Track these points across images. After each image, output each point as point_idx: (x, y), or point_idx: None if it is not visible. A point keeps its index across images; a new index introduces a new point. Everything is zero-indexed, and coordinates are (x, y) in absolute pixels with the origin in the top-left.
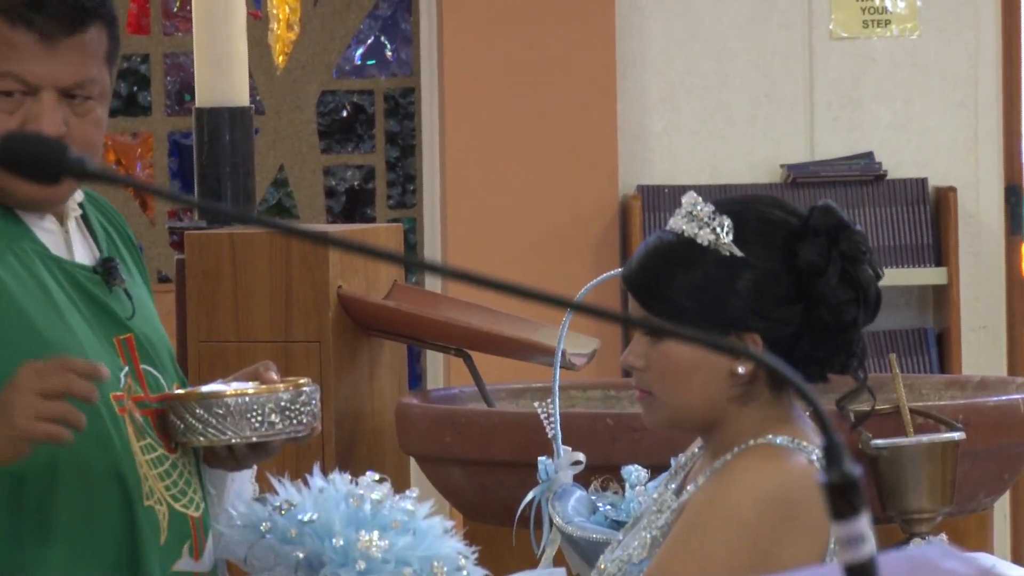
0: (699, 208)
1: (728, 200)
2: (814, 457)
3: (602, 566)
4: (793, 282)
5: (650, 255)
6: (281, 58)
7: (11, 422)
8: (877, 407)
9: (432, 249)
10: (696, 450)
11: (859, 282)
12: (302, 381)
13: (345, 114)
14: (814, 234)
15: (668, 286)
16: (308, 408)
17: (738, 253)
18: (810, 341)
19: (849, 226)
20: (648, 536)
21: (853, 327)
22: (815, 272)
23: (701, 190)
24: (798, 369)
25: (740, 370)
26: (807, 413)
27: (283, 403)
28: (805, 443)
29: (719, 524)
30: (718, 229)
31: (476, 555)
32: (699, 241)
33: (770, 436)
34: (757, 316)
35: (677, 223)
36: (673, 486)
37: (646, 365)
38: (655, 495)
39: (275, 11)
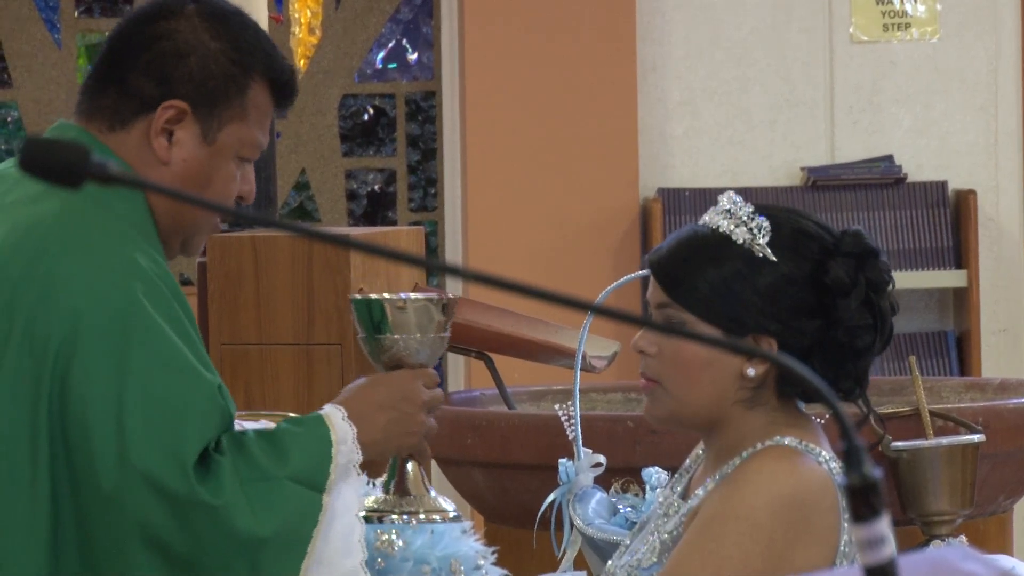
0: (739, 207)
1: (767, 205)
2: (822, 460)
3: (611, 571)
4: (816, 296)
5: (681, 244)
6: (303, 62)
7: (409, 430)
8: (897, 409)
9: (453, 252)
10: (699, 452)
11: (879, 310)
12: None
13: (366, 118)
14: (845, 255)
15: (695, 276)
16: None
17: (771, 256)
18: (821, 359)
19: (878, 255)
20: (656, 540)
21: (866, 354)
22: (840, 291)
23: (722, 194)
24: (803, 386)
25: (750, 372)
26: (817, 419)
27: None
28: (813, 446)
29: (733, 527)
30: (755, 230)
31: (495, 555)
32: (734, 238)
33: (778, 437)
34: (774, 320)
35: (713, 219)
36: (678, 489)
37: (658, 352)
38: (660, 499)
39: (297, 15)
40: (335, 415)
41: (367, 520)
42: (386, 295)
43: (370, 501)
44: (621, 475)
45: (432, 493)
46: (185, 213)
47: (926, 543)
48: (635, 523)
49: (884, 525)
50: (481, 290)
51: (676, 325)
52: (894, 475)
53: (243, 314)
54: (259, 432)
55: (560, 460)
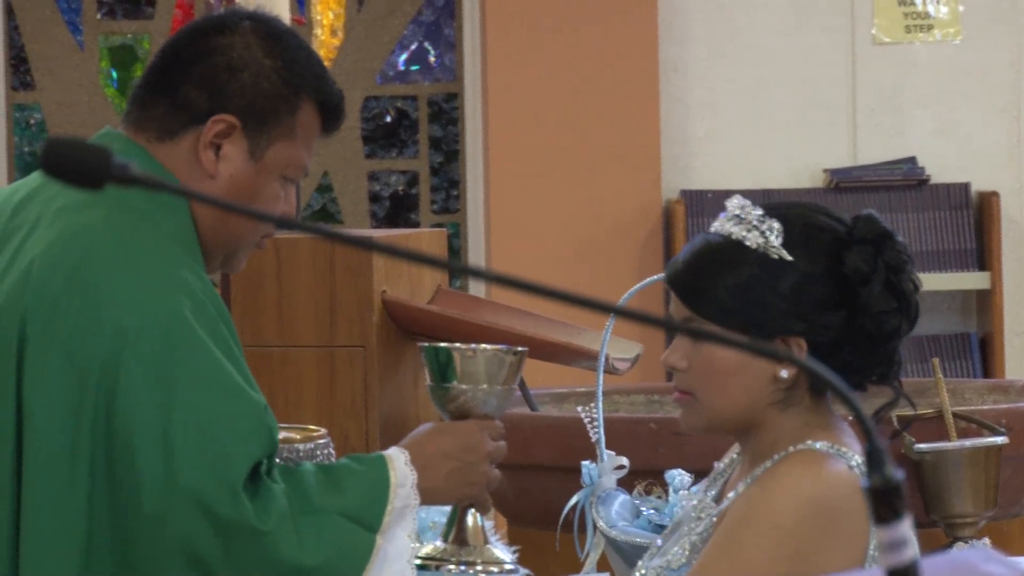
0: (748, 212)
1: (775, 205)
2: (854, 463)
3: (641, 572)
4: (837, 289)
5: (696, 255)
6: (325, 64)
7: (471, 481)
8: (920, 412)
9: (476, 254)
10: (735, 456)
11: (902, 292)
12: (316, 432)
13: (389, 119)
14: (860, 242)
15: (714, 286)
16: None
17: (787, 257)
18: (851, 349)
19: (893, 236)
20: (687, 542)
21: (894, 337)
22: (860, 280)
23: (744, 195)
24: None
25: (783, 374)
26: (847, 419)
27: (300, 454)
28: (845, 449)
29: (759, 530)
30: (767, 233)
31: (517, 556)
32: (747, 244)
33: (810, 442)
34: (799, 319)
35: (724, 226)
36: (712, 492)
37: (688, 366)
38: (695, 501)
39: (319, 17)
40: (398, 458)
41: (423, 567)
42: (457, 344)
43: (428, 549)
44: (644, 477)
45: (491, 544)
46: (229, 226)
47: (949, 545)
48: (659, 525)
49: (906, 527)
50: (503, 292)
51: (698, 328)
52: (917, 477)
53: (265, 316)
54: (318, 465)
55: (583, 462)
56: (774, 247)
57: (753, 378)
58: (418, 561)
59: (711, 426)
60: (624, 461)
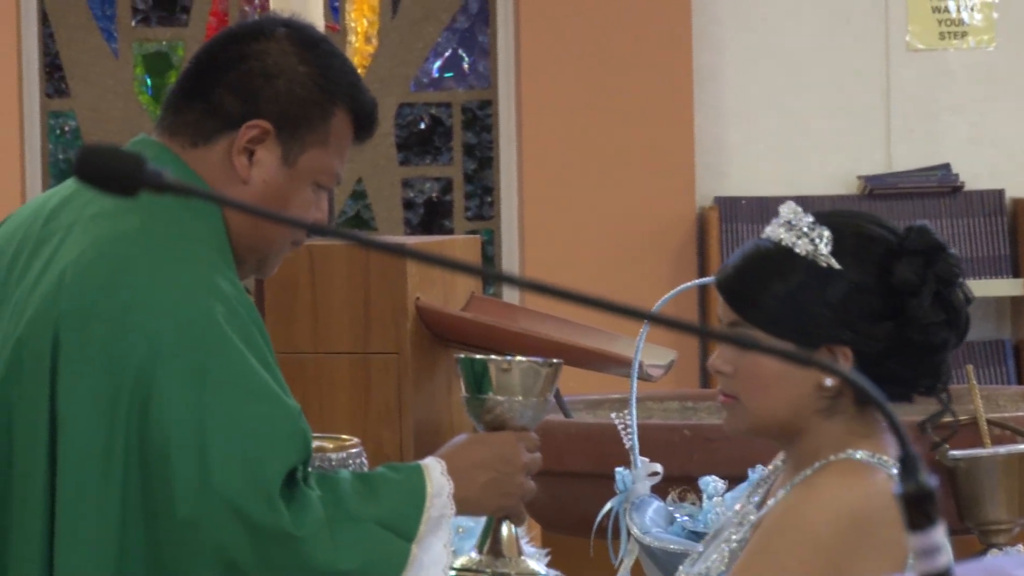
0: (799, 218)
1: (826, 212)
2: (894, 472)
3: None
4: (886, 299)
5: (746, 261)
6: (359, 71)
7: (507, 492)
8: (955, 419)
9: (510, 261)
10: (779, 463)
11: (951, 305)
12: (348, 442)
13: (423, 126)
14: (911, 253)
15: (762, 293)
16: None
17: (835, 265)
18: (898, 360)
19: (945, 248)
20: (727, 549)
21: (942, 349)
22: (909, 291)
23: (779, 202)
24: (883, 388)
25: (827, 383)
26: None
27: (332, 463)
28: (886, 458)
29: (794, 539)
30: (817, 240)
31: (549, 559)
32: (797, 251)
33: (851, 451)
34: (846, 328)
35: (775, 232)
36: (755, 499)
37: (733, 371)
38: (737, 507)
39: (353, 24)
40: (434, 467)
41: None
42: (492, 356)
43: (462, 560)
44: (678, 484)
45: (525, 556)
46: (261, 232)
47: (983, 552)
48: (693, 532)
49: (940, 534)
50: (537, 299)
51: (732, 331)
52: (951, 484)
53: (299, 323)
54: (354, 473)
55: (617, 469)
56: (823, 255)
57: (797, 385)
58: (453, 572)
59: (754, 431)
60: (658, 468)
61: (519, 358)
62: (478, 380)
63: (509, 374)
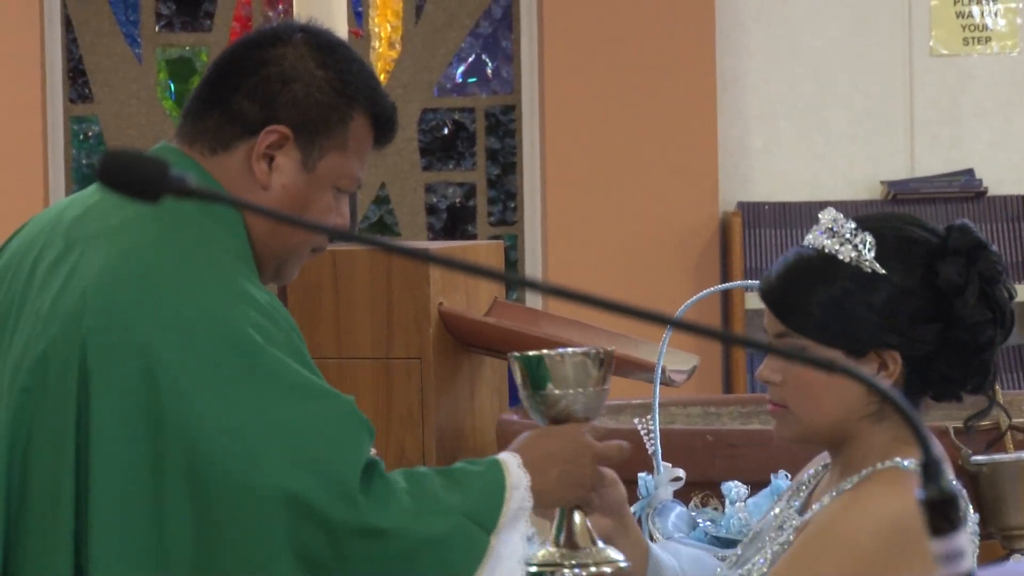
0: (840, 225)
1: (867, 217)
2: None
3: None
4: (931, 301)
5: (789, 270)
6: (383, 76)
7: (580, 482)
8: (979, 423)
9: (533, 266)
10: (820, 468)
11: (996, 302)
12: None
13: (446, 132)
14: (953, 253)
15: (807, 301)
16: None
17: (880, 270)
18: (947, 361)
19: (987, 246)
20: (770, 552)
21: (989, 347)
22: (954, 292)
23: (802, 207)
24: (932, 389)
25: None
26: (943, 431)
27: None
28: None
29: (836, 547)
30: (860, 246)
31: None
32: (840, 257)
33: (898, 459)
34: (893, 333)
35: (817, 239)
36: (796, 503)
37: (783, 380)
38: (776, 510)
39: (377, 30)
40: (511, 461)
41: (539, 575)
42: (545, 351)
43: (541, 554)
44: (700, 489)
45: (600, 544)
46: (281, 237)
47: (1006, 557)
48: (715, 537)
49: (963, 539)
50: (560, 304)
51: (777, 342)
52: (974, 489)
53: (322, 328)
54: (435, 468)
55: (639, 474)
56: (867, 260)
57: (846, 391)
58: (533, 569)
59: (803, 438)
60: (680, 473)
61: (571, 350)
62: (535, 376)
63: (563, 367)
